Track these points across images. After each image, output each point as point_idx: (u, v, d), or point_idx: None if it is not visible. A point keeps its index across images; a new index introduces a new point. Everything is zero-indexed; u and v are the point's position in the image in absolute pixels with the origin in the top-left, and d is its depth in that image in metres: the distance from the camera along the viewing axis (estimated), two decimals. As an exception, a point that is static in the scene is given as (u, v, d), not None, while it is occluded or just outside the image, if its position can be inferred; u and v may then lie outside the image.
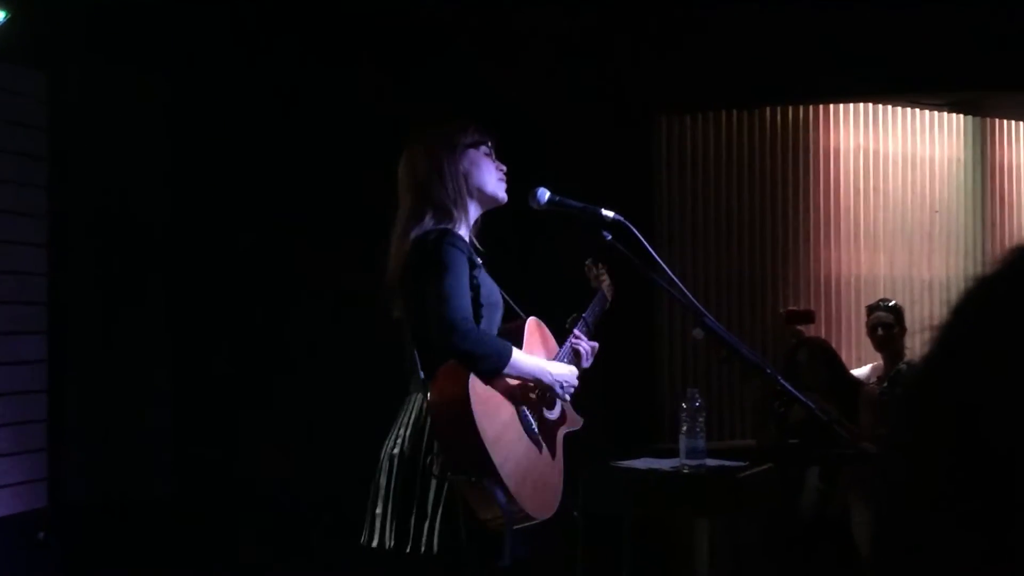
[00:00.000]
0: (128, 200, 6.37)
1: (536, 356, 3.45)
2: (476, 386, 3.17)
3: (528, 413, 3.36)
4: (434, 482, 3.19)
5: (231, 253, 6.50)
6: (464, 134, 3.50)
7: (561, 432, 3.52)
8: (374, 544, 3.26)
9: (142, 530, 6.17)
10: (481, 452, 3.11)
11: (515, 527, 3.25)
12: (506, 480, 3.14)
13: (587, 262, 4.10)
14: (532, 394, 3.38)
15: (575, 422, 3.62)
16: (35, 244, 5.87)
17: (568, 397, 3.46)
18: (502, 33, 6.32)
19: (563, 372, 3.44)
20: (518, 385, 3.34)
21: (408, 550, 3.20)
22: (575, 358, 3.61)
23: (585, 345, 3.64)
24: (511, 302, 3.60)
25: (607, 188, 5.94)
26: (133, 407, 6.37)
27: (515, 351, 3.27)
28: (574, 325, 3.69)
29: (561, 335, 3.68)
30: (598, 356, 3.71)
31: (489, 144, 3.55)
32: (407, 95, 6.26)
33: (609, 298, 4.01)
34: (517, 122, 3.72)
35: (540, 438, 3.38)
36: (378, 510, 3.28)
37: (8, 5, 5.37)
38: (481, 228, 3.58)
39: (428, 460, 3.21)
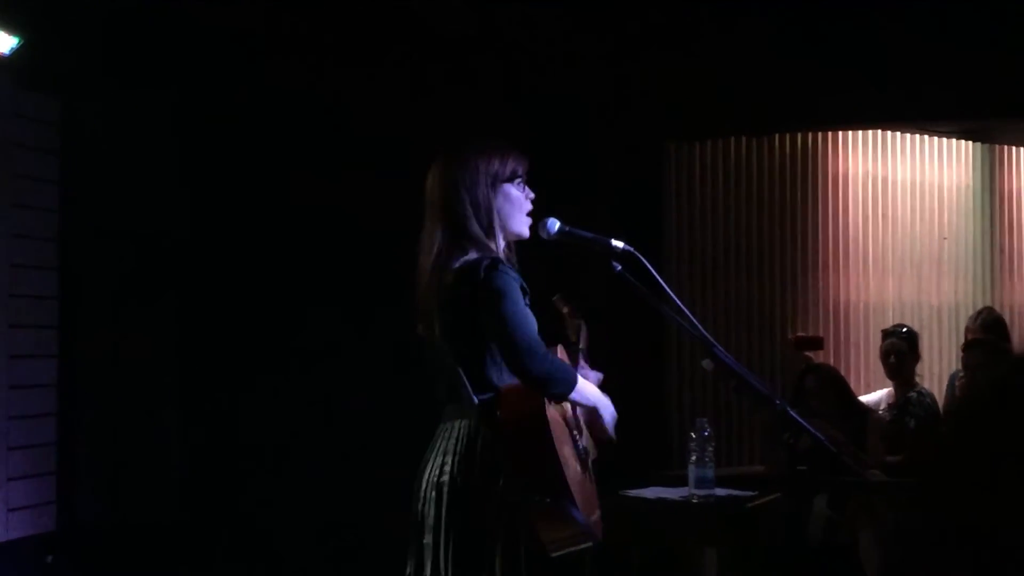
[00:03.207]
0: (139, 224, 6.39)
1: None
2: (550, 410, 3.21)
3: (578, 439, 3.39)
4: (495, 508, 3.17)
5: (243, 276, 6.52)
6: (503, 165, 3.45)
7: (591, 461, 3.54)
8: (426, 574, 3.24)
9: (151, 554, 6.18)
10: (559, 472, 3.11)
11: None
12: (579, 503, 3.16)
13: (554, 298, 3.94)
14: (577, 421, 3.42)
15: (594, 453, 3.64)
16: (46, 268, 5.89)
17: (611, 429, 3.45)
18: (511, 59, 6.34)
19: (610, 405, 3.46)
20: (570, 412, 3.40)
21: None
22: None
23: (594, 378, 3.63)
24: None
25: (616, 214, 5.98)
26: (143, 431, 6.38)
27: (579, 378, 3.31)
28: (577, 357, 3.67)
29: None
30: (608, 385, 3.70)
31: (522, 172, 3.52)
32: (420, 110, 6.28)
33: (586, 337, 3.90)
34: (525, 148, 3.70)
35: (586, 464, 3.41)
36: (427, 540, 3.25)
37: (21, 31, 5.40)
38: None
39: (498, 484, 3.17)
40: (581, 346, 3.78)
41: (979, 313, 6.77)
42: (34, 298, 5.82)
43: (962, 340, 7.21)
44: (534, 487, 3.14)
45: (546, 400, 3.23)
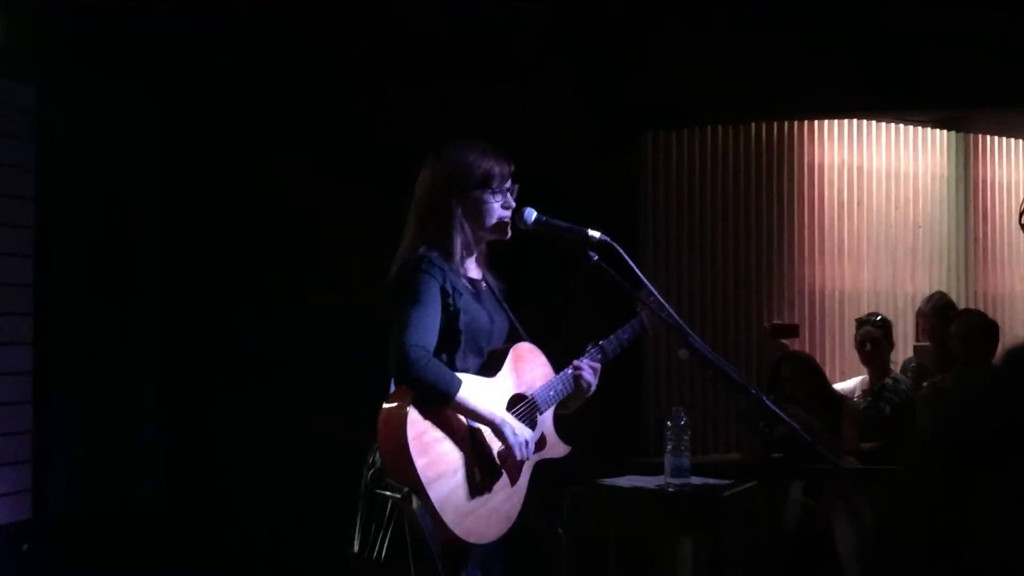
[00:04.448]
0: (115, 211, 6.37)
1: (502, 385, 3.45)
2: (415, 412, 3.23)
3: (487, 438, 3.37)
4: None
5: (219, 265, 6.51)
6: (473, 173, 3.47)
7: (532, 459, 3.51)
8: (353, 550, 3.38)
9: (126, 542, 6.17)
10: (412, 474, 3.19)
11: (480, 545, 3.33)
12: (436, 504, 3.21)
13: (640, 293, 3.77)
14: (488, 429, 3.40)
15: (557, 450, 3.60)
16: (22, 255, 5.87)
17: (518, 450, 3.41)
18: (487, 50, 6.33)
19: (518, 426, 3.42)
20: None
21: (365, 555, 3.32)
22: (575, 385, 3.59)
23: (588, 373, 3.59)
24: (517, 325, 3.60)
25: (594, 202, 5.99)
26: (119, 419, 6.37)
27: (465, 387, 3.28)
28: (588, 351, 3.66)
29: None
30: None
31: (499, 176, 3.51)
32: (397, 108, 6.28)
33: (649, 326, 3.81)
34: (503, 139, 3.71)
35: (499, 464, 3.40)
36: (357, 517, 3.39)
37: (-2, 19, 5.38)
38: (490, 254, 3.60)
39: (373, 473, 3.32)
40: (605, 342, 3.70)
41: (931, 297, 6.83)
42: (9, 286, 5.80)
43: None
44: (396, 480, 3.25)
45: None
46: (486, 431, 3.37)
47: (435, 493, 3.22)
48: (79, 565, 5.97)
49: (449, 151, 3.53)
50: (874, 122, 7.39)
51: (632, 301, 3.71)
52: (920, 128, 7.52)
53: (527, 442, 3.42)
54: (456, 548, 3.29)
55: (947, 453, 0.91)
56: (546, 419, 3.56)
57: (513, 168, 3.56)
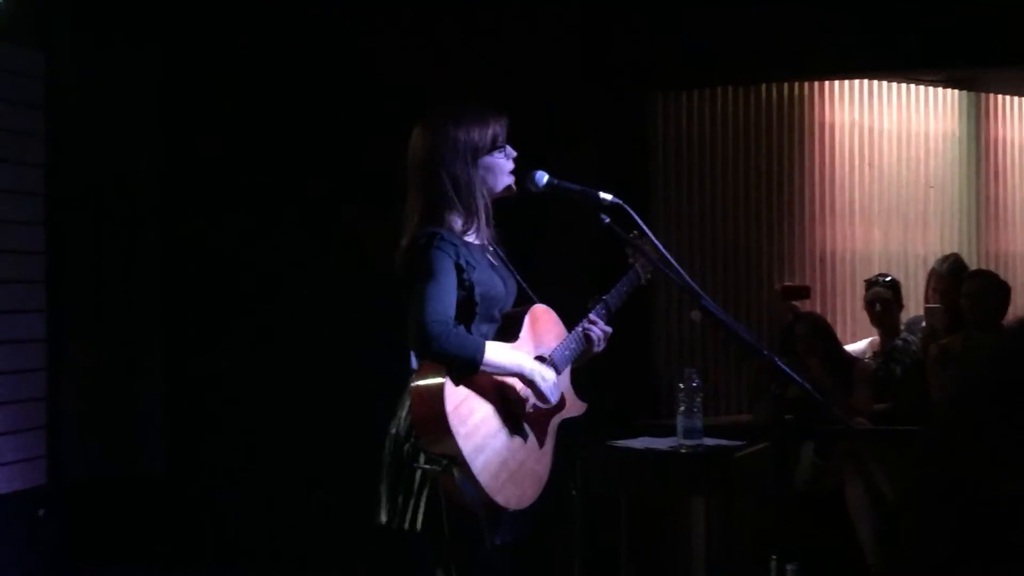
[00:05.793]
0: (125, 178, 6.38)
1: (521, 349, 3.45)
2: (450, 384, 3.25)
3: (514, 404, 3.39)
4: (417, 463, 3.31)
5: (227, 231, 6.51)
6: (483, 136, 3.44)
7: (555, 420, 3.53)
8: (378, 520, 3.39)
9: (141, 507, 6.21)
10: (452, 446, 3.21)
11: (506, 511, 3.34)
12: (477, 474, 3.23)
13: (631, 234, 3.75)
14: (516, 387, 3.41)
15: (576, 408, 3.63)
16: (33, 223, 5.88)
17: (550, 394, 3.44)
18: (494, 11, 6.31)
19: (546, 372, 3.44)
20: (501, 379, 3.40)
21: (395, 526, 3.33)
22: (586, 343, 3.60)
23: (597, 330, 3.60)
24: (526, 287, 3.60)
25: (603, 165, 5.98)
26: (131, 385, 6.39)
27: (489, 349, 3.29)
28: (593, 307, 3.67)
29: (581, 318, 3.66)
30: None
31: (503, 133, 3.50)
32: (405, 69, 6.26)
33: (644, 275, 3.80)
34: (511, 101, 3.70)
35: (527, 428, 3.41)
36: (381, 487, 3.40)
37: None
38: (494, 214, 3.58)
39: (407, 447, 3.32)
40: (608, 296, 3.71)
41: (947, 258, 6.78)
42: (21, 253, 5.81)
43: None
44: (433, 455, 3.27)
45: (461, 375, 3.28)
46: (513, 395, 3.38)
47: (476, 463, 3.24)
48: (93, 530, 6.01)
49: (447, 121, 3.48)
50: (885, 82, 7.34)
51: (626, 249, 3.70)
52: (931, 88, 7.48)
53: (555, 384, 3.45)
54: (492, 515, 3.31)
55: (969, 421, 0.89)
56: (564, 378, 3.58)
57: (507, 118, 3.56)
